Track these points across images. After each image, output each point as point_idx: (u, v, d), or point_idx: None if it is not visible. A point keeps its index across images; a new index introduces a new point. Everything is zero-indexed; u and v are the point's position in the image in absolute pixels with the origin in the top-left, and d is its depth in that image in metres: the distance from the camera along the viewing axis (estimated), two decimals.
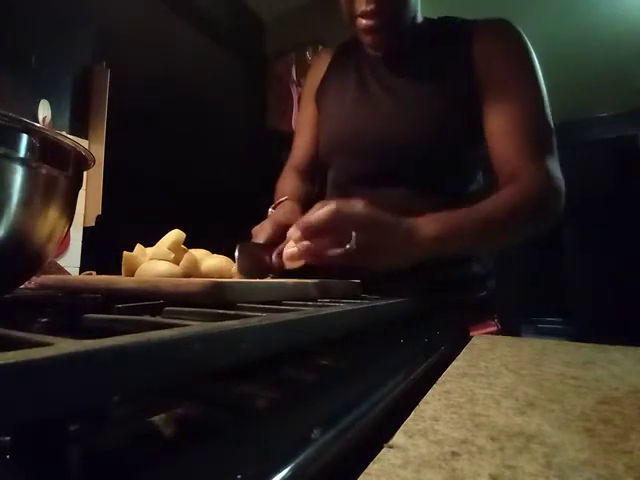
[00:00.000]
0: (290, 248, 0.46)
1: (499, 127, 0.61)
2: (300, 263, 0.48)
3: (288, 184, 0.82)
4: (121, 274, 0.40)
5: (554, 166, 0.60)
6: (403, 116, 0.65)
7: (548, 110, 0.62)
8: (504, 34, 0.63)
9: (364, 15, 0.61)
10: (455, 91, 0.63)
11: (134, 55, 1.52)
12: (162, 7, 1.65)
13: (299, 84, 2.04)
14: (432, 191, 0.65)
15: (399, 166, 0.66)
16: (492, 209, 0.56)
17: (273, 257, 0.50)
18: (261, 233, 0.58)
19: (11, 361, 0.09)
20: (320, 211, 0.43)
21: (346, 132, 0.70)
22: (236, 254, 0.47)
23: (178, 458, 0.13)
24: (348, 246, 0.43)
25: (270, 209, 0.71)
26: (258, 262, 0.50)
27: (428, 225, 0.51)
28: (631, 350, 0.32)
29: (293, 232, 0.45)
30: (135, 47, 1.53)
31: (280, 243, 0.54)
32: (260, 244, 0.55)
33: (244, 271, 0.45)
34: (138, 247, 0.42)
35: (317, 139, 0.80)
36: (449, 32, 0.67)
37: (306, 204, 0.76)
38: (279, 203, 0.71)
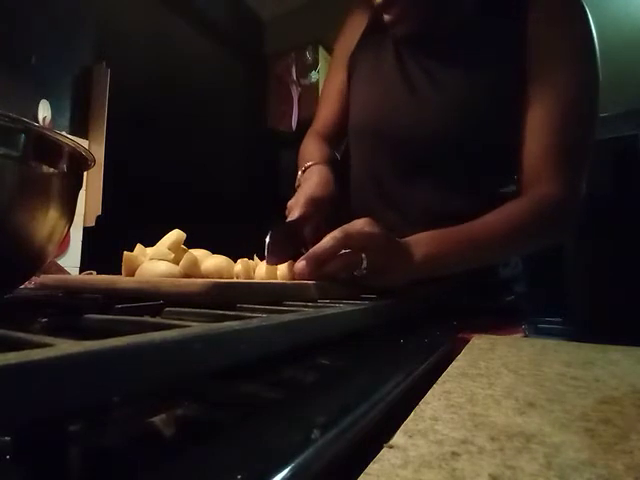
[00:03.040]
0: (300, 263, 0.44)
1: (533, 121, 0.56)
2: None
3: (313, 148, 0.75)
4: (121, 274, 0.40)
5: (579, 177, 0.56)
6: (440, 102, 0.60)
7: (595, 109, 0.56)
8: (567, 9, 0.56)
9: (382, 8, 0.58)
10: (500, 78, 0.57)
11: (134, 55, 1.52)
12: (162, 7, 1.65)
13: (299, 84, 2.04)
14: (464, 189, 0.61)
15: (431, 155, 0.62)
16: (497, 224, 0.53)
17: (306, 233, 0.49)
18: (295, 209, 0.54)
19: (11, 362, 0.09)
20: (324, 240, 0.42)
21: (379, 114, 0.66)
22: (267, 240, 0.45)
23: (178, 458, 0.13)
24: (362, 266, 0.43)
25: (299, 175, 0.67)
26: (290, 244, 0.48)
27: (420, 245, 0.49)
28: (631, 350, 0.32)
29: (300, 267, 0.42)
30: (135, 47, 1.53)
31: (314, 217, 0.53)
32: (292, 224, 0.53)
33: (274, 257, 0.44)
34: (138, 247, 0.42)
35: (346, 110, 0.74)
36: (498, 4, 0.59)
37: (333, 170, 0.70)
38: (307, 168, 0.66)
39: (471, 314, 0.49)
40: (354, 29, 0.74)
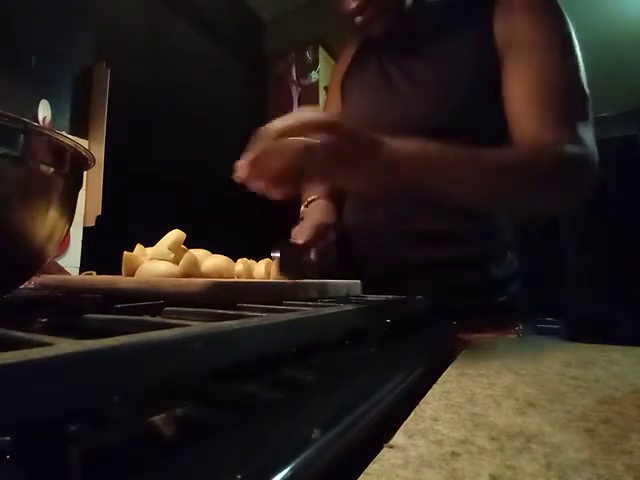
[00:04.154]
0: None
1: (519, 92, 0.55)
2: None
3: None
4: (121, 274, 0.40)
5: (586, 133, 0.52)
6: (422, 99, 0.62)
7: (581, 74, 0.55)
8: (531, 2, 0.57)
9: (354, 13, 0.60)
10: (475, 65, 0.59)
11: (134, 55, 1.52)
12: (162, 7, 1.65)
13: (299, 84, 2.04)
14: None
15: None
16: (506, 155, 0.48)
17: (312, 257, 0.49)
18: (300, 234, 0.56)
19: (11, 361, 0.09)
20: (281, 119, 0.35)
21: (366, 118, 0.68)
22: (277, 254, 0.44)
23: (178, 458, 0.13)
24: (318, 155, 0.34)
25: (302, 207, 0.69)
26: (296, 262, 0.48)
27: (401, 143, 0.41)
28: (631, 350, 0.32)
29: (241, 165, 0.36)
30: (135, 47, 1.53)
31: (319, 244, 0.53)
32: (298, 244, 0.53)
33: (285, 271, 0.43)
34: (138, 247, 0.42)
35: None
36: (466, 4, 0.62)
37: (337, 199, 0.72)
38: (311, 201, 0.69)
39: (464, 314, 0.47)
40: (346, 57, 0.81)
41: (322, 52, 2.01)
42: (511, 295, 0.65)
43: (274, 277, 0.44)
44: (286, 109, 2.30)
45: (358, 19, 0.61)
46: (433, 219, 0.62)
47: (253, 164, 0.36)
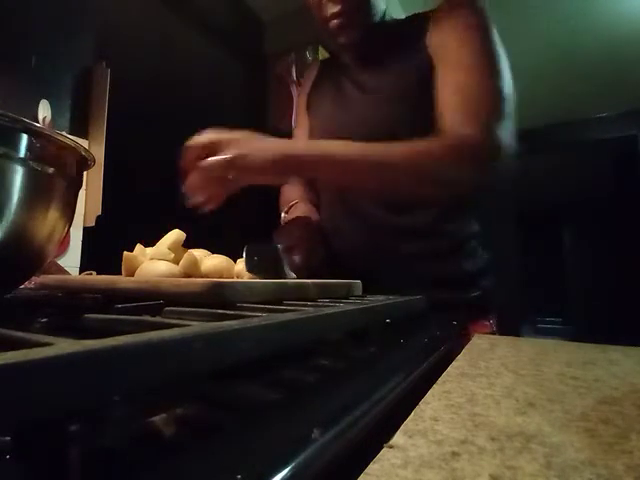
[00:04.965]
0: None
1: (442, 96, 0.62)
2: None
3: (294, 188, 0.84)
4: (121, 274, 0.40)
5: (499, 129, 0.58)
6: (370, 105, 0.69)
7: (497, 77, 0.61)
8: (458, 11, 0.65)
9: (333, 16, 0.66)
10: (415, 76, 0.65)
11: (134, 55, 1.52)
12: (162, 7, 1.65)
13: (299, 84, 2.04)
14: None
15: None
16: (401, 146, 0.56)
17: (296, 259, 0.51)
18: (282, 236, 0.59)
19: (11, 361, 0.09)
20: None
21: (328, 128, 0.74)
22: (244, 255, 0.47)
23: (178, 458, 0.13)
24: (226, 154, 0.51)
25: (283, 214, 0.73)
26: (269, 262, 0.50)
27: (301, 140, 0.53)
28: (631, 350, 0.32)
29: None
30: (135, 47, 1.53)
31: (301, 245, 0.54)
32: (278, 247, 0.55)
33: (251, 270, 0.45)
34: (138, 247, 0.42)
35: None
36: (413, 25, 0.70)
37: (313, 205, 0.77)
38: (291, 207, 0.73)
39: (437, 309, 0.49)
40: (309, 77, 0.89)
41: (322, 52, 2.01)
42: (484, 290, 0.67)
43: (248, 277, 0.45)
44: (286, 109, 2.29)
45: (334, 23, 0.67)
46: (398, 215, 0.68)
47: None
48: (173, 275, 0.37)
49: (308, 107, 0.85)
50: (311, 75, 0.89)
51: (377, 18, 0.69)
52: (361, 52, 0.73)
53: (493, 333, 0.65)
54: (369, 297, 0.44)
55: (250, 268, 0.45)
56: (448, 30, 0.64)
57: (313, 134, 0.80)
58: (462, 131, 0.58)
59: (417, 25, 0.69)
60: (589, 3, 2.17)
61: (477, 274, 0.68)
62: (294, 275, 0.50)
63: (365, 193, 0.63)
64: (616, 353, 0.31)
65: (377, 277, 0.55)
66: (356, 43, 0.70)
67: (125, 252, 0.39)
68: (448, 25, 0.65)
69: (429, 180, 0.58)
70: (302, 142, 0.53)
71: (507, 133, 0.59)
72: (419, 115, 0.65)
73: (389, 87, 0.68)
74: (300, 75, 2.03)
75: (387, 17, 0.72)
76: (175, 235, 0.41)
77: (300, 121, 0.89)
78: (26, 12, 1.15)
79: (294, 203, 0.74)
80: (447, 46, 0.64)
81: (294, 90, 2.04)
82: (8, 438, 0.11)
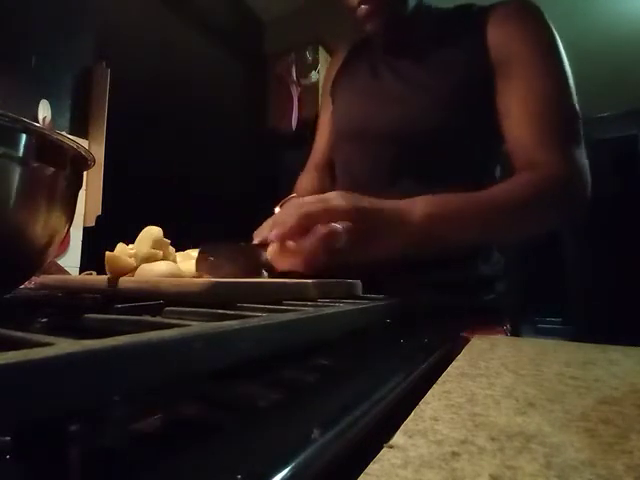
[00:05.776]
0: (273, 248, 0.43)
1: (515, 111, 0.58)
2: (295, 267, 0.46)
3: (305, 181, 0.82)
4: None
5: (579, 154, 0.56)
6: (413, 101, 0.65)
7: (572, 93, 0.58)
8: (521, 13, 0.61)
9: (360, 3, 0.63)
10: (467, 74, 0.62)
11: (134, 55, 1.52)
12: (162, 7, 1.65)
13: (299, 84, 2.04)
14: (445, 187, 0.63)
15: (407, 152, 0.65)
16: (501, 194, 0.52)
17: (268, 257, 0.48)
18: (258, 234, 0.56)
19: (11, 361, 0.09)
20: (289, 213, 0.41)
21: (356, 118, 0.70)
22: (196, 257, 0.42)
23: (178, 458, 0.13)
24: (342, 239, 0.39)
25: (277, 208, 0.69)
26: (217, 262, 0.45)
27: (417, 204, 0.47)
28: (631, 350, 0.32)
29: (271, 252, 0.42)
30: (135, 47, 1.53)
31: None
32: (245, 245, 0.51)
33: (201, 270, 0.41)
34: (120, 246, 0.40)
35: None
36: (463, 17, 0.66)
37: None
38: (286, 201, 0.69)
39: (450, 313, 0.47)
40: (333, 69, 0.85)
41: (322, 52, 2.01)
42: (498, 294, 0.66)
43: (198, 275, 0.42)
44: (286, 109, 2.29)
45: (361, 9, 0.63)
46: None
47: (283, 242, 0.41)
48: (174, 275, 0.37)
49: (333, 93, 0.81)
50: (338, 59, 0.85)
51: (410, 7, 0.65)
52: (394, 40, 0.70)
53: None
54: (369, 297, 0.44)
55: (201, 269, 0.41)
56: (516, 32, 0.59)
57: (337, 116, 0.77)
58: (544, 159, 0.54)
59: (470, 18, 0.65)
60: (589, 3, 2.17)
61: (493, 278, 0.66)
62: (266, 274, 0.48)
63: (462, 243, 0.54)
64: (616, 353, 0.31)
65: (395, 280, 0.52)
66: (386, 31, 0.67)
67: (107, 252, 0.38)
68: (516, 26, 0.60)
69: (528, 223, 0.55)
70: (420, 216, 0.46)
71: (584, 157, 0.57)
72: (466, 115, 0.61)
73: (431, 77, 0.64)
74: (300, 75, 2.03)
75: (423, 6, 0.68)
76: (155, 233, 0.39)
77: (323, 112, 0.87)
78: (26, 12, 1.15)
79: (289, 197, 0.70)
80: (517, 50, 0.59)
81: (294, 90, 2.04)
82: (8, 438, 0.11)
